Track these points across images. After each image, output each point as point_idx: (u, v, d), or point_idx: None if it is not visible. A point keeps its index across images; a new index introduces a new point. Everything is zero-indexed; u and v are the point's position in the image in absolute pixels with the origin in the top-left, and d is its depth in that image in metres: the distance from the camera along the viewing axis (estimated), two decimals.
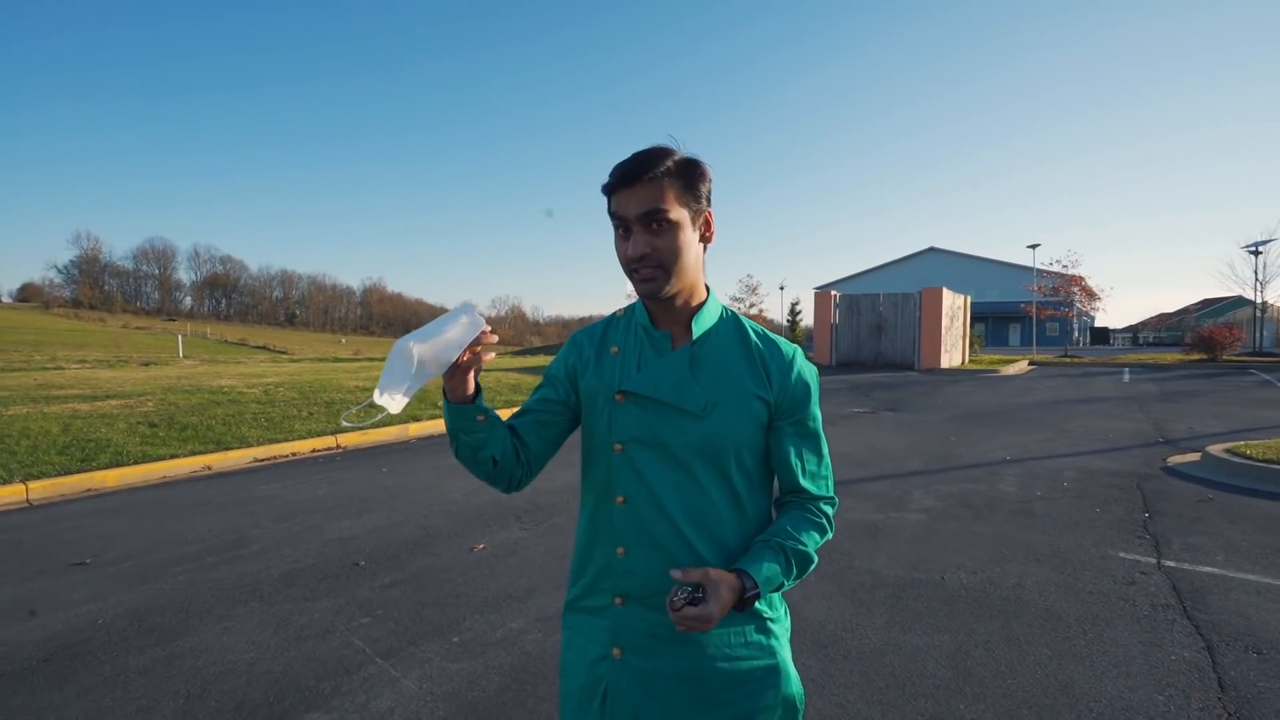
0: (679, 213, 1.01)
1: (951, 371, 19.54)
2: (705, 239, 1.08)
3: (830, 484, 1.13)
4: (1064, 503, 5.02)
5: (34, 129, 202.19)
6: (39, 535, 4.49)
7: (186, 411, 8.35)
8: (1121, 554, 3.90)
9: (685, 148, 1.05)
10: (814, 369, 1.14)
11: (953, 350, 22.24)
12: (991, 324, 47.44)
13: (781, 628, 1.13)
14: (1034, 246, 29.26)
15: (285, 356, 35.52)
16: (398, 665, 2.69)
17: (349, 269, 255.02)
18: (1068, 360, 25.13)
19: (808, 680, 2.53)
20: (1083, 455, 6.88)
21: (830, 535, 1.10)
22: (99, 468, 6.06)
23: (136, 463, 6.26)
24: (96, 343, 42.65)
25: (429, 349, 0.93)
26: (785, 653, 1.10)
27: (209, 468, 6.55)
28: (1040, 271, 31.71)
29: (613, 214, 1.02)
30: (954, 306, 22.43)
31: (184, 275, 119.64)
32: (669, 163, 1.00)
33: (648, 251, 1.00)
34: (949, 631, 2.93)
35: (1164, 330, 66.63)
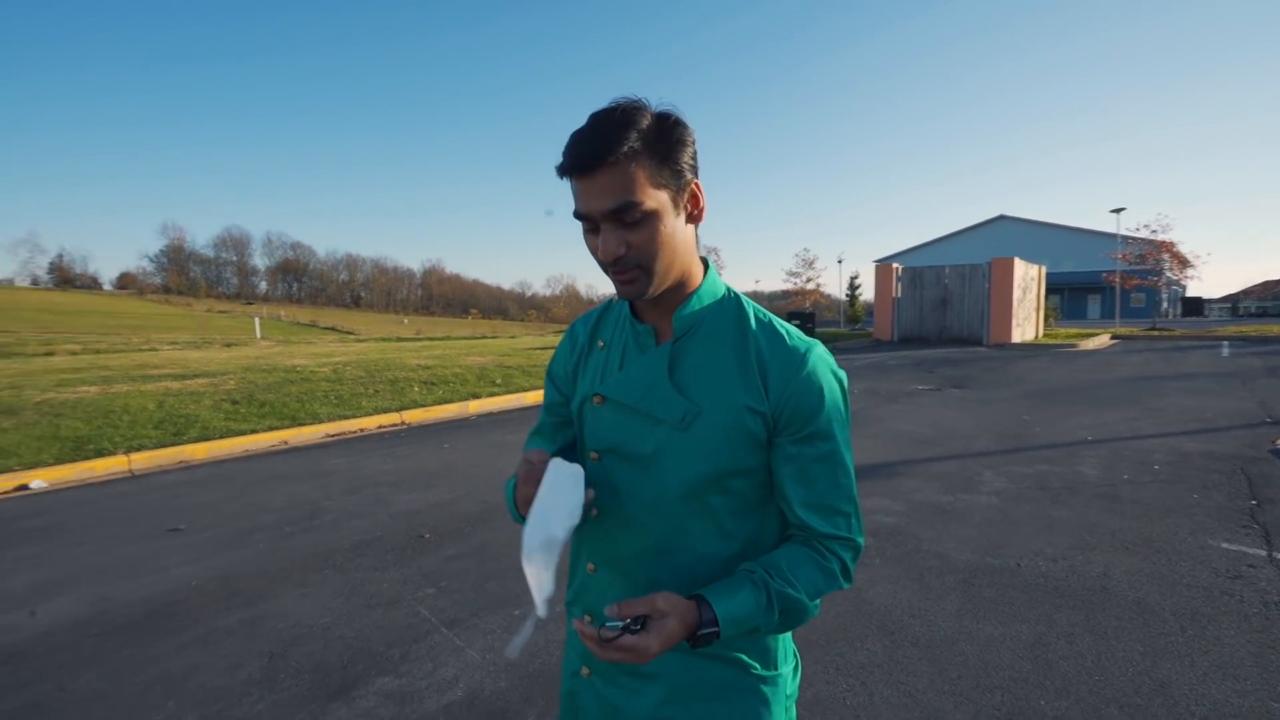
0: (656, 198, 0.81)
1: (1024, 346, 18.55)
2: (694, 217, 0.88)
3: (852, 523, 0.88)
4: (1155, 487, 4.69)
5: (128, 122, 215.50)
6: (140, 502, 4.84)
7: (264, 389, 8.82)
8: (1224, 544, 3.61)
9: (655, 103, 0.83)
10: (834, 372, 0.89)
11: (1025, 324, 21.12)
12: (1068, 296, 44.74)
13: (777, 690, 0.92)
14: (1118, 211, 27.28)
15: (352, 337, 37.06)
16: (462, 635, 2.76)
17: (410, 251, 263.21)
18: (1156, 333, 23.45)
19: (873, 667, 2.46)
20: (1175, 436, 6.40)
21: (844, 585, 0.87)
22: (189, 441, 6.48)
23: (221, 437, 6.66)
24: (184, 326, 45.65)
25: (555, 536, 0.80)
26: (746, 676, 0.90)
27: (285, 442, 6.90)
28: (1125, 238, 29.55)
29: (576, 210, 0.82)
30: (1027, 277, 21.24)
31: (259, 261, 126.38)
32: (635, 135, 0.78)
33: (622, 252, 0.82)
34: (1027, 621, 2.78)
35: (1270, 299, 61.19)
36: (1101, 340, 20.65)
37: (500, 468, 5.57)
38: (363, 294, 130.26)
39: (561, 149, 0.80)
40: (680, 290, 0.90)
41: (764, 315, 0.91)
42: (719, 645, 0.88)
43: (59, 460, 5.77)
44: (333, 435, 7.22)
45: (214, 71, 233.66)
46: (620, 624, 0.75)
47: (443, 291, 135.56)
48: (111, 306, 67.80)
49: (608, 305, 1.03)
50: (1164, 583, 3.14)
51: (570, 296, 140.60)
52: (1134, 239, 29.86)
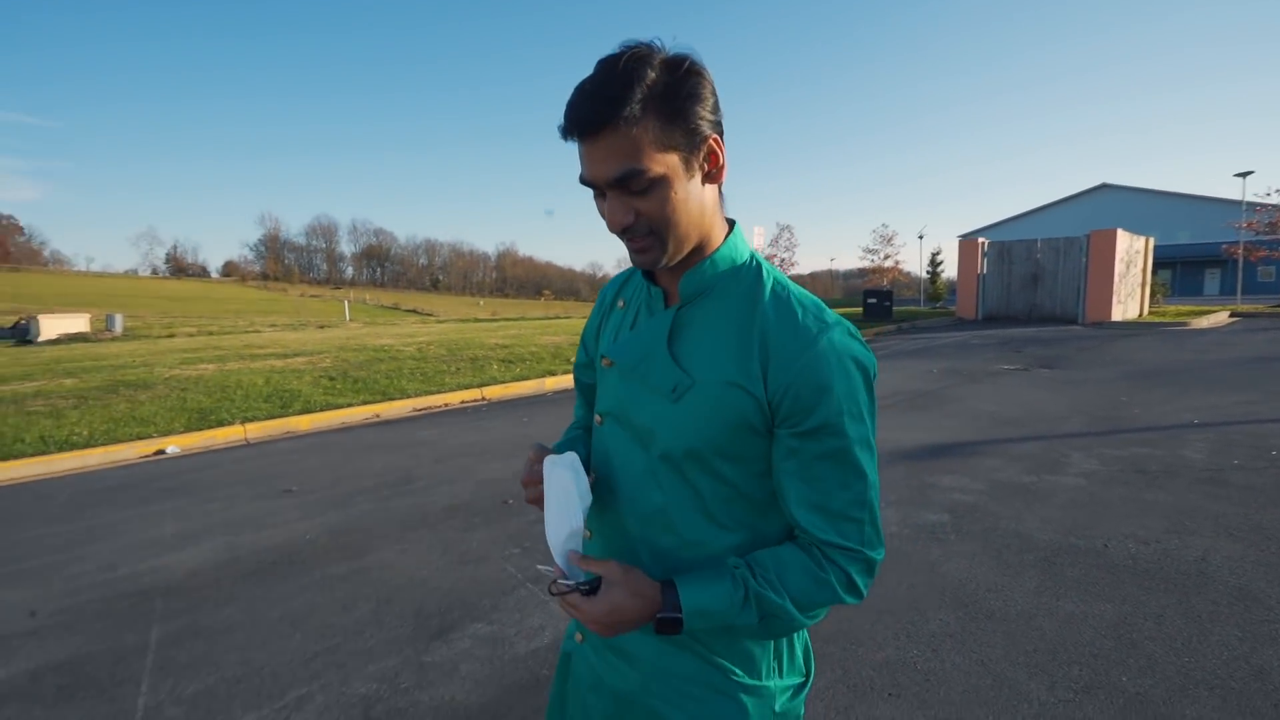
0: (664, 162, 0.73)
1: (1126, 325, 17.27)
2: (711, 177, 0.79)
3: (865, 532, 0.77)
4: (1272, 474, 4.36)
5: (227, 120, 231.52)
6: (256, 467, 5.37)
7: (356, 367, 9.46)
8: None
9: (670, 43, 0.75)
10: (855, 358, 0.76)
11: (1128, 301, 19.61)
12: (1181, 270, 41.03)
13: (761, 702, 0.84)
14: (1244, 175, 24.66)
15: (432, 318, 38.79)
16: (545, 591, 2.96)
17: (484, 235, 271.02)
18: None
19: (945, 637, 2.48)
20: None
21: (848, 600, 0.77)
22: (294, 414, 7.08)
23: (321, 410, 7.24)
24: (281, 310, 49.08)
25: (575, 527, 0.80)
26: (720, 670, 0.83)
27: (377, 415, 7.42)
28: (1253, 204, 26.68)
29: (581, 174, 0.76)
30: (1131, 251, 19.66)
31: (345, 247, 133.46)
32: (640, 94, 0.70)
33: (630, 220, 0.75)
34: (1112, 601, 2.71)
35: None
36: (1219, 318, 18.91)
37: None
38: (440, 277, 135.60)
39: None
40: (698, 254, 0.82)
41: (783, 288, 0.81)
42: (694, 640, 0.83)
43: (187, 429, 6.46)
44: (420, 409, 7.70)
45: (295, 59, 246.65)
46: (573, 582, 0.76)
47: (516, 274, 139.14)
48: (218, 293, 73.80)
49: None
50: (1273, 570, 2.96)
51: None
52: (1263, 205, 26.92)
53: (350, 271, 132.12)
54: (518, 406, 7.75)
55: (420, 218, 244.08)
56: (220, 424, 6.62)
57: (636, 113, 0.70)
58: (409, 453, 5.60)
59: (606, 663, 0.90)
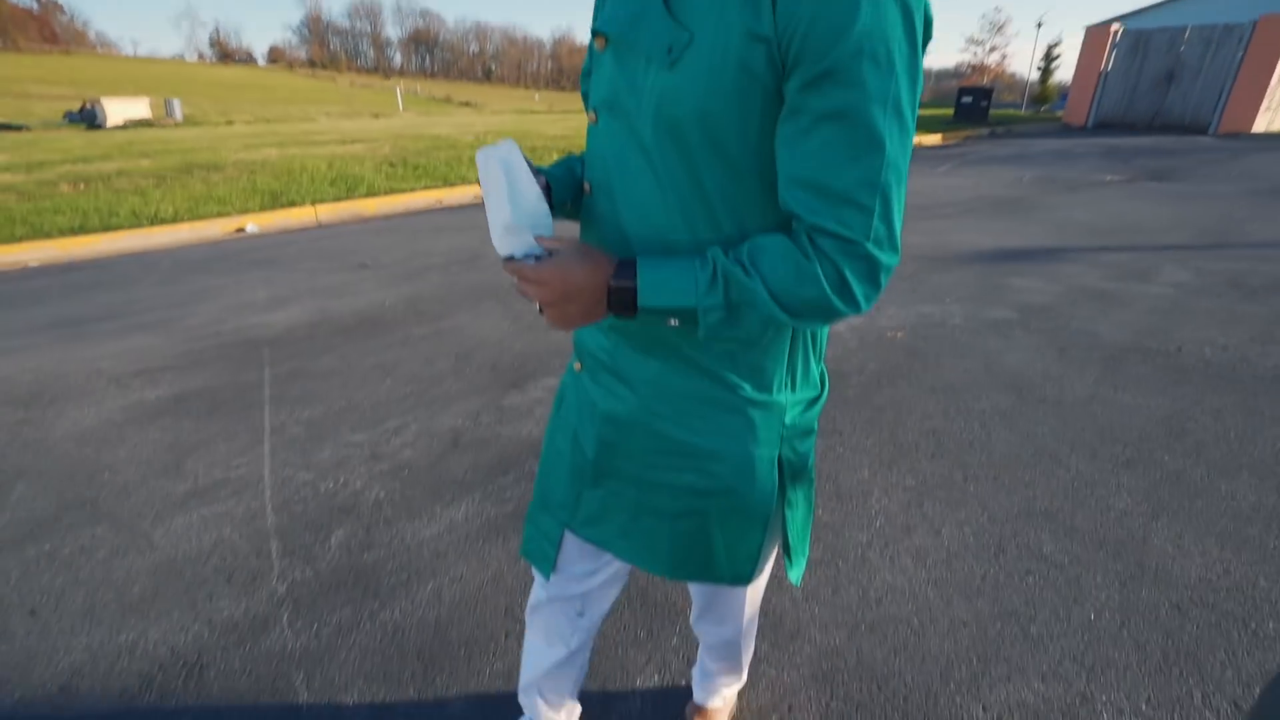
0: None
1: (1266, 138, 15.04)
2: None
3: (872, 223, 0.62)
4: None
5: None
6: (331, 246, 5.62)
7: (416, 154, 9.35)
8: None
9: None
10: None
11: (1278, 110, 16.86)
12: None
13: (769, 414, 0.79)
14: None
15: (486, 110, 37.14)
16: None
17: (539, 19, 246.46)
18: None
19: (995, 414, 2.56)
20: None
21: (838, 304, 0.64)
22: (360, 197, 7.20)
23: (385, 194, 7.33)
24: (331, 99, 47.64)
25: (511, 222, 0.69)
26: (759, 448, 0.79)
27: (440, 201, 7.47)
28: None
29: None
30: None
31: (391, 31, 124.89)
32: None
33: None
34: (1171, 397, 2.70)
35: None
36: None
37: None
38: (493, 67, 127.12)
39: None
40: None
41: None
42: (698, 355, 0.76)
43: (261, 209, 6.70)
44: (481, 196, 7.69)
45: None
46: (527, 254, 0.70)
47: (574, 63, 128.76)
48: (267, 80, 71.66)
49: None
50: None
51: None
52: None
53: (398, 59, 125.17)
54: None
55: None
56: (292, 204, 6.82)
57: None
58: (474, 234, 5.71)
59: (603, 386, 0.84)
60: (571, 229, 0.82)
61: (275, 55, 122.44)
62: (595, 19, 0.75)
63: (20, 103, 26.44)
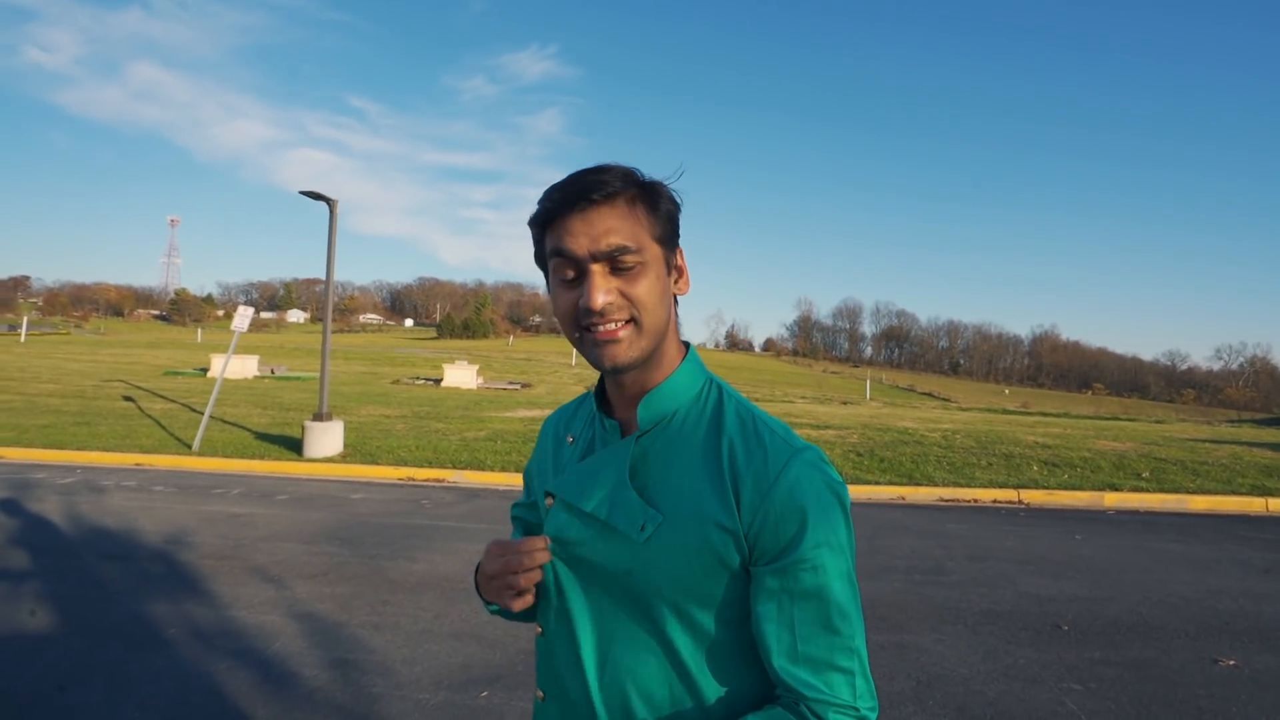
0: (652, 249, 0.72)
1: None
2: (678, 288, 0.78)
3: (856, 684, 0.67)
4: None
5: (767, 210, 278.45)
6: None
7: (882, 447, 9.88)
8: None
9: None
10: (828, 485, 0.69)
11: None
12: None
13: None
14: None
15: (952, 405, 36.94)
16: None
17: (1017, 317, 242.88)
18: None
19: None
20: None
21: None
22: None
23: (852, 483, 7.86)
24: (804, 382, 55.17)
25: None
26: None
27: (903, 498, 7.57)
28: None
29: (552, 250, 0.71)
30: None
31: (867, 328, 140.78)
32: (636, 180, 0.72)
33: (611, 299, 0.69)
34: None
35: None
36: None
37: (1158, 577, 4.64)
38: (961, 361, 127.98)
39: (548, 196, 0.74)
40: (654, 375, 0.76)
41: (748, 411, 0.75)
42: None
43: None
44: (946, 500, 7.48)
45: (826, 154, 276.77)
46: None
47: (1055, 361, 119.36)
48: (757, 364, 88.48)
49: (584, 397, 0.89)
50: None
51: (1258, 373, 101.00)
52: None
53: (869, 351, 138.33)
54: (1065, 519, 6.67)
55: (944, 299, 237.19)
56: None
57: (635, 194, 0.72)
58: (938, 542, 5.53)
59: None
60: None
61: (768, 345, 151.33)
62: (540, 478, 0.87)
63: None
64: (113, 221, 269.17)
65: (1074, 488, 7.71)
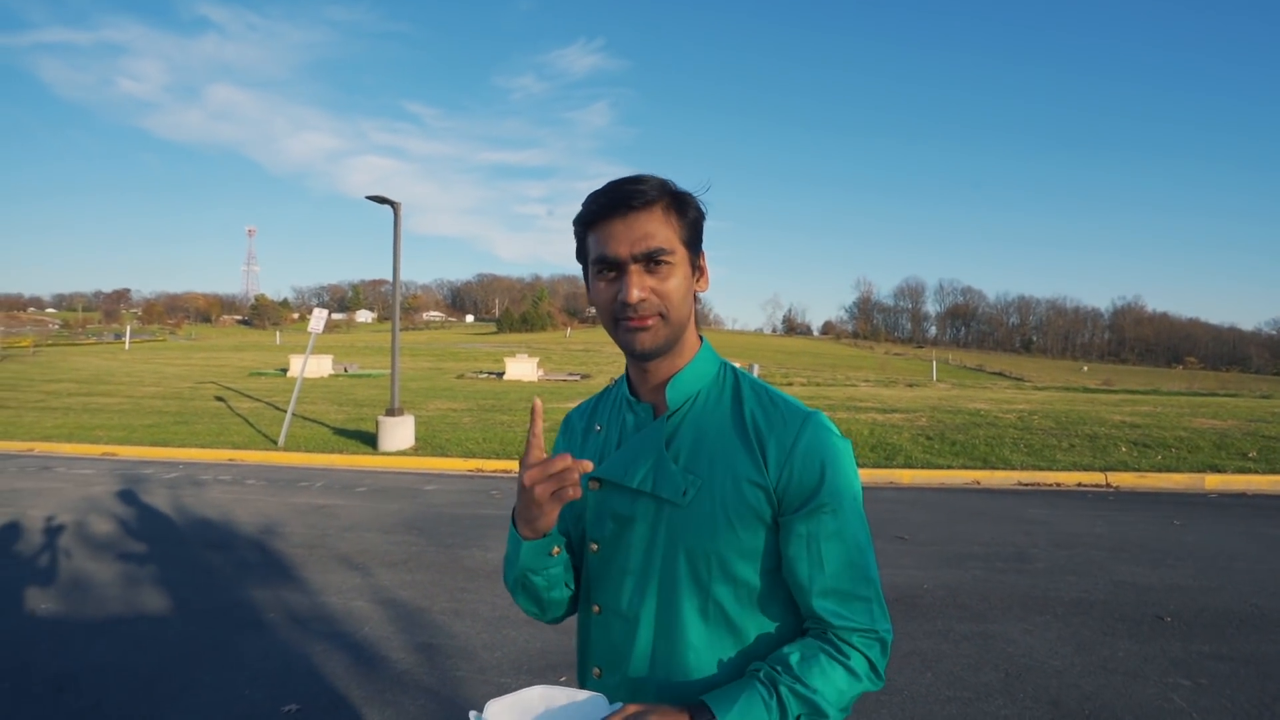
0: (680, 252, 0.84)
1: None
2: (700, 286, 0.90)
3: (874, 610, 0.80)
4: None
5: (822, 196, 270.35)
6: (870, 510, 6.09)
7: (953, 429, 9.51)
8: None
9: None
10: (839, 441, 0.83)
11: None
12: None
13: None
14: None
15: (1026, 384, 35.15)
16: None
17: (1095, 289, 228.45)
18: None
19: None
20: None
21: (871, 687, 0.78)
22: (896, 466, 7.68)
23: (922, 467, 7.60)
24: (867, 365, 53.59)
25: None
26: None
27: (977, 482, 7.27)
28: None
29: (595, 250, 0.83)
30: None
31: (930, 307, 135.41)
32: (669, 190, 0.84)
33: (646, 295, 0.81)
34: None
35: None
36: None
37: (1273, 565, 4.29)
38: (1034, 338, 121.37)
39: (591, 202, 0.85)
40: (677, 364, 0.88)
41: (760, 387, 0.89)
42: None
43: None
44: (1025, 484, 7.14)
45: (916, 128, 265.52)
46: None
47: (1140, 334, 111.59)
48: (817, 348, 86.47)
49: (604, 392, 1.00)
50: None
51: None
52: None
53: (933, 331, 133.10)
54: (1160, 502, 6.25)
55: (1014, 273, 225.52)
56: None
57: (668, 202, 0.83)
58: (1020, 528, 5.29)
59: None
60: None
61: (827, 328, 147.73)
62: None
63: None
64: (198, 234, 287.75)
65: (1169, 469, 7.21)
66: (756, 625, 0.83)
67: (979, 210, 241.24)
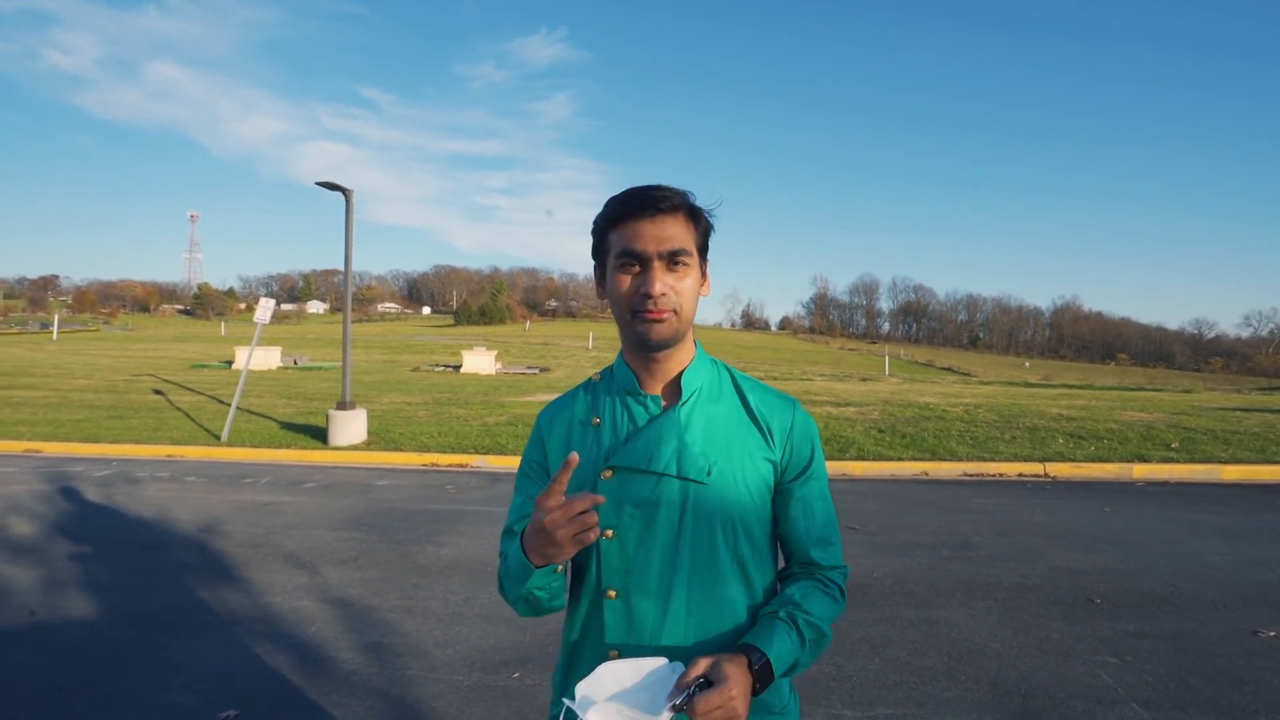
0: (694, 256, 0.94)
1: None
2: (703, 291, 1.00)
3: (840, 550, 1.01)
4: None
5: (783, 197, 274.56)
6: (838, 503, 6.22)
7: (904, 423, 9.79)
8: None
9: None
10: (814, 421, 1.03)
11: None
12: None
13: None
14: None
15: (973, 379, 36.51)
16: None
17: (1037, 289, 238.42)
18: None
19: None
20: None
21: (842, 608, 0.98)
22: (850, 459, 7.86)
23: (874, 459, 7.81)
24: (823, 360, 54.74)
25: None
26: None
27: (926, 473, 7.50)
28: None
29: (622, 246, 0.92)
30: None
31: (884, 304, 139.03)
32: (689, 200, 0.94)
33: (666, 291, 0.91)
34: None
35: None
36: None
37: (1192, 548, 4.56)
38: (981, 335, 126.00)
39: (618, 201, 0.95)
40: (679, 358, 0.98)
41: (751, 380, 1.03)
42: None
43: None
44: (970, 475, 7.41)
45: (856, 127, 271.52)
46: (683, 692, 0.79)
47: (1077, 332, 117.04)
48: (774, 343, 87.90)
49: (587, 384, 1.06)
50: None
51: None
52: None
53: (886, 327, 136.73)
54: (1093, 491, 6.58)
55: (963, 271, 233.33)
56: None
57: (687, 210, 0.94)
58: (964, 517, 5.48)
59: None
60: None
61: (785, 324, 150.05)
62: (590, 455, 0.97)
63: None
64: (136, 219, 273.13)
65: (1101, 460, 7.59)
66: (761, 576, 0.97)
67: (932, 210, 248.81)
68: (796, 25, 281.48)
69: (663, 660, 0.84)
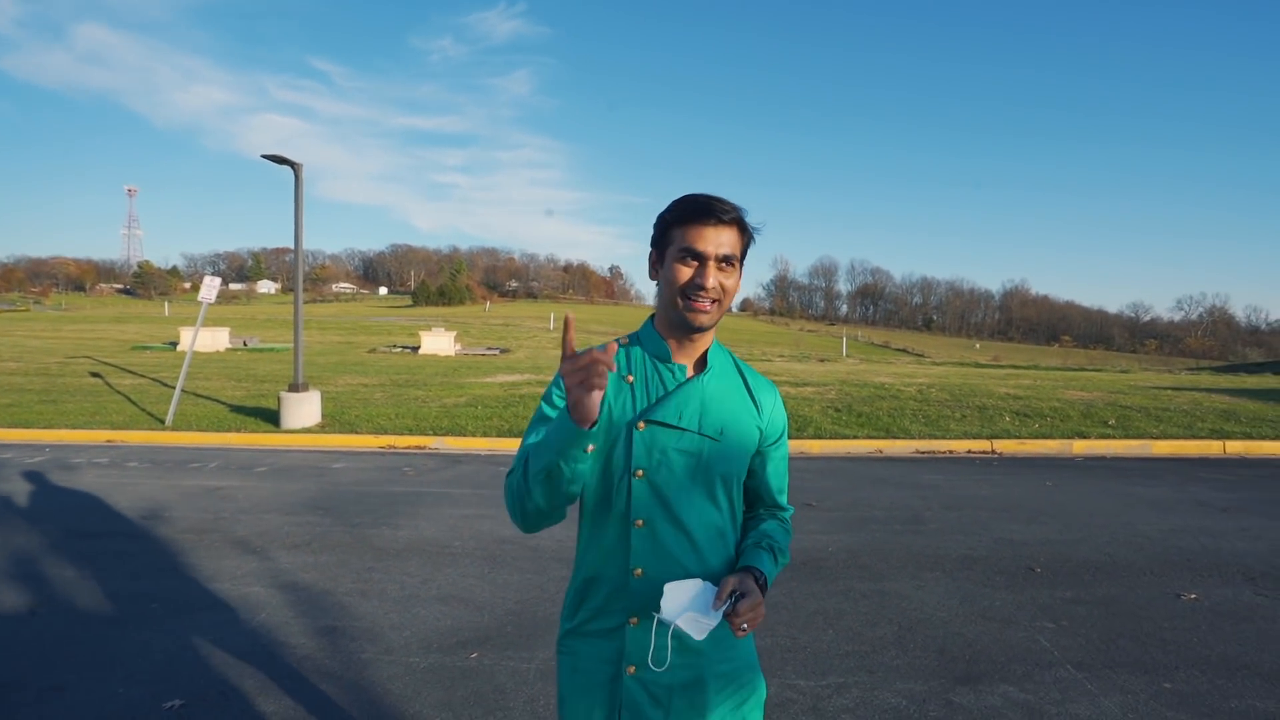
0: (738, 260, 1.14)
1: None
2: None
3: (788, 495, 1.30)
4: None
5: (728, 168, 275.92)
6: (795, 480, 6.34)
7: (860, 402, 10.03)
8: None
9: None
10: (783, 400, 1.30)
11: None
12: None
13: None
14: None
15: (926, 360, 37.62)
16: (1093, 681, 2.62)
17: (988, 272, 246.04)
18: None
19: None
20: None
21: (792, 534, 1.28)
22: (807, 438, 8.02)
23: (830, 438, 7.98)
24: (782, 341, 55.51)
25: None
26: (753, 646, 1.25)
27: (880, 451, 7.72)
28: None
29: (685, 243, 1.10)
30: None
31: (843, 286, 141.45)
32: (742, 216, 1.13)
33: (715, 285, 1.10)
34: None
35: None
36: None
37: (1125, 520, 4.81)
38: (934, 317, 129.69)
39: (687, 199, 1.13)
40: (708, 338, 1.20)
41: (742, 361, 1.27)
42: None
43: None
44: (923, 452, 7.65)
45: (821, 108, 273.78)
46: (724, 605, 1.01)
47: (1025, 315, 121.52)
48: (735, 324, 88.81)
49: (616, 342, 1.24)
50: None
51: (1218, 323, 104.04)
52: None
53: (845, 309, 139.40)
54: (1036, 466, 6.88)
55: (918, 255, 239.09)
56: None
57: (741, 225, 1.13)
58: (915, 493, 5.67)
59: (675, 669, 1.12)
60: None
61: (746, 305, 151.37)
62: (625, 407, 1.15)
63: (584, 336, 38.92)
64: (68, 192, 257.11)
65: (1044, 436, 7.93)
66: (737, 515, 1.22)
67: (890, 195, 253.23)
68: (757, 7, 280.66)
69: (699, 580, 1.06)
